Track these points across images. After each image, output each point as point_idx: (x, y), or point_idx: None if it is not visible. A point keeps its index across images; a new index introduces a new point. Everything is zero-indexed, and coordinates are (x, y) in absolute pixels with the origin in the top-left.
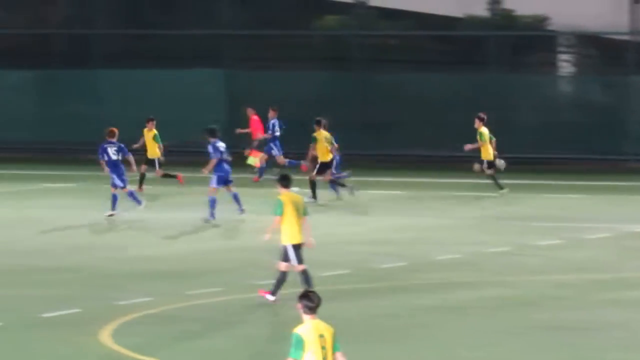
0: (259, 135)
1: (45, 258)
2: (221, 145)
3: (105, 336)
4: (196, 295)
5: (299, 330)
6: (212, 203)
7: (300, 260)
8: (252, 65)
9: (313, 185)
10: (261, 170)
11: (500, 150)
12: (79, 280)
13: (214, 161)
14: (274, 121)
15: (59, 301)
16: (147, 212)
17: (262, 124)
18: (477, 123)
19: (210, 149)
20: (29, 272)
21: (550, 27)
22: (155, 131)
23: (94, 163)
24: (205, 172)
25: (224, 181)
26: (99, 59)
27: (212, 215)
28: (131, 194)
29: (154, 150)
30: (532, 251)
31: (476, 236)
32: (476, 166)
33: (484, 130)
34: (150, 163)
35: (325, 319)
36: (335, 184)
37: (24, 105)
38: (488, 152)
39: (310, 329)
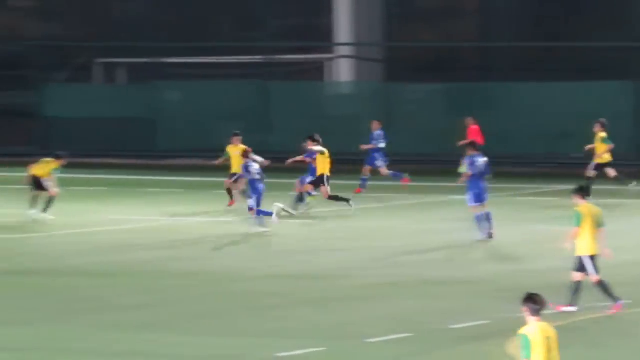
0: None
1: (442, 269)
2: (481, 160)
3: (513, 348)
4: (604, 307)
5: (525, 331)
6: (478, 219)
7: (596, 271)
8: None
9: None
10: (364, 182)
11: None
12: (483, 293)
13: (468, 174)
14: (378, 132)
15: (465, 313)
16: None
17: (482, 134)
18: (597, 127)
19: (467, 162)
20: (434, 284)
21: None
22: (243, 147)
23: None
24: (460, 181)
25: (479, 198)
26: (507, 72)
27: (487, 232)
28: (258, 213)
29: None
30: None
31: None
32: (611, 172)
33: (604, 135)
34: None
35: None
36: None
37: (433, 118)
38: (603, 156)
39: (537, 331)
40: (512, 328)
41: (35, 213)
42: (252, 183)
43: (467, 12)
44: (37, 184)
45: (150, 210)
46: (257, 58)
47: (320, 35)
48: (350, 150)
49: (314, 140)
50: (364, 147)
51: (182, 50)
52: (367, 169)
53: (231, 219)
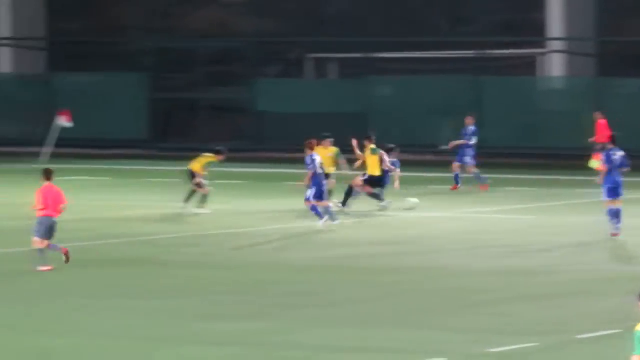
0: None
1: None
2: (618, 154)
3: None
4: None
5: None
6: (611, 214)
7: None
8: None
9: (349, 192)
10: (457, 178)
11: None
12: None
13: (604, 170)
14: (471, 128)
15: None
16: None
17: (609, 128)
18: None
19: (604, 157)
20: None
21: None
22: (334, 149)
23: None
24: (599, 182)
25: (613, 193)
26: None
27: (616, 228)
28: (313, 208)
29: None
30: None
31: None
32: None
33: None
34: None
35: None
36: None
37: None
38: None
39: None
40: None
41: (189, 207)
42: (315, 176)
43: None
44: (193, 178)
45: (360, 206)
46: (468, 53)
47: (532, 30)
48: (564, 146)
49: (371, 140)
50: (455, 143)
51: (393, 45)
52: (456, 165)
53: (443, 214)
